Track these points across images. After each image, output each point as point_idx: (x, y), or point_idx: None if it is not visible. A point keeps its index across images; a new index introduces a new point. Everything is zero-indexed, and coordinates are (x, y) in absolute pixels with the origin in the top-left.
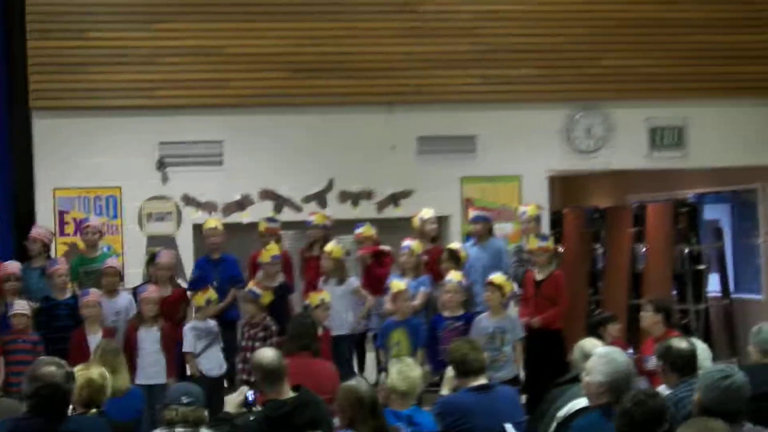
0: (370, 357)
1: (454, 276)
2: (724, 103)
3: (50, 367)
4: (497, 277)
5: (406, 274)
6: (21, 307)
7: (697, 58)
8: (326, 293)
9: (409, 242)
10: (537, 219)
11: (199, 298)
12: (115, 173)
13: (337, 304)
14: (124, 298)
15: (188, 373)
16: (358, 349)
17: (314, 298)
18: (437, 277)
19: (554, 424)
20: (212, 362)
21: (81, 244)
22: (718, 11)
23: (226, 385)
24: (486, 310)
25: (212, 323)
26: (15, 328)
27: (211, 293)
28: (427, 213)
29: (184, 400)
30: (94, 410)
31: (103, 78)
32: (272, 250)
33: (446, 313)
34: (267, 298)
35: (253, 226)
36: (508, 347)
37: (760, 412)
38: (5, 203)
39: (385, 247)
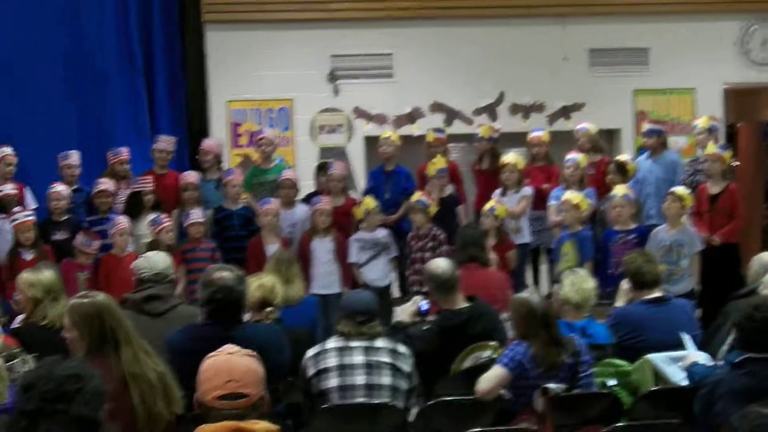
0: (544, 269)
1: (618, 190)
2: None
3: (222, 272)
4: (680, 188)
5: (571, 187)
6: (197, 215)
7: None
8: (499, 204)
9: (574, 155)
10: (710, 131)
11: (358, 211)
12: (288, 85)
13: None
14: (300, 210)
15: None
16: (533, 262)
17: (497, 208)
18: (604, 190)
19: (730, 338)
20: (377, 273)
21: (254, 156)
22: None
23: (399, 294)
24: (659, 224)
25: (381, 234)
26: (192, 236)
27: (369, 203)
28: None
29: (359, 319)
30: (269, 309)
31: None
32: (438, 163)
33: (617, 227)
34: (433, 208)
35: (423, 138)
36: (685, 261)
37: None
38: (180, 116)
39: (545, 186)
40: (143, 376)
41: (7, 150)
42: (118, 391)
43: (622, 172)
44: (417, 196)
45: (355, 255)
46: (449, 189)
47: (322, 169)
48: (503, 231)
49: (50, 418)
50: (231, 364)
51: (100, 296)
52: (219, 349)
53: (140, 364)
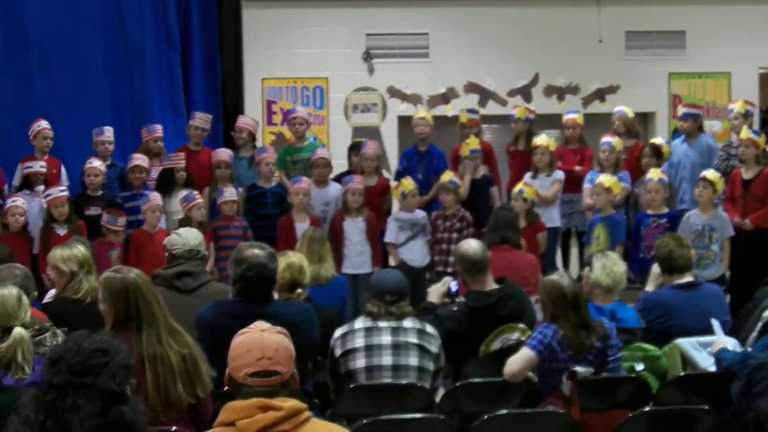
0: (574, 252)
1: (654, 174)
2: None
3: (253, 249)
4: (711, 173)
5: (606, 170)
6: (230, 194)
7: None
8: (528, 187)
9: (609, 138)
10: (746, 116)
11: (396, 193)
12: (322, 64)
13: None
14: (334, 189)
15: (391, 263)
16: (562, 244)
17: (526, 190)
18: (637, 174)
19: (760, 324)
20: (414, 253)
21: (288, 134)
22: None
23: (428, 276)
24: (692, 209)
25: (419, 215)
26: (225, 214)
27: (406, 185)
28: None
29: (388, 298)
30: (299, 290)
31: None
32: (471, 144)
33: (650, 211)
34: (462, 190)
35: (457, 119)
36: (716, 245)
37: None
38: (215, 94)
39: (578, 168)
40: (162, 358)
41: (44, 123)
42: (136, 369)
43: (658, 155)
44: (448, 176)
45: (393, 235)
46: (483, 170)
47: (354, 148)
48: (533, 213)
49: (77, 391)
50: (263, 341)
51: (133, 273)
52: (250, 326)
53: (162, 345)
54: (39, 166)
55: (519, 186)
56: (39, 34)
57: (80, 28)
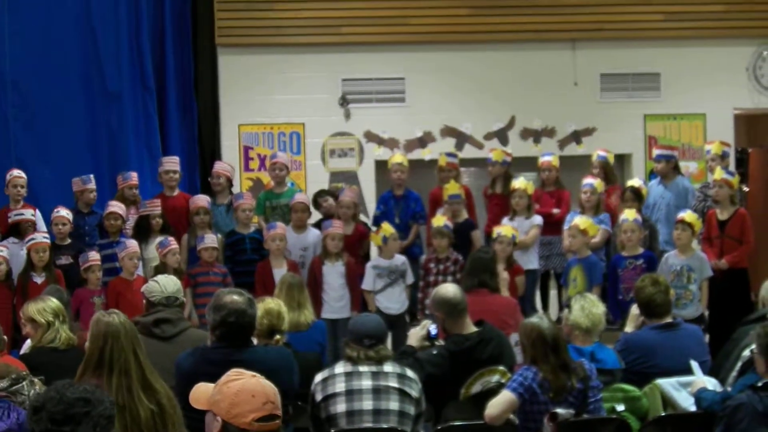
0: (553, 294)
1: (628, 214)
2: None
3: (232, 296)
4: (689, 215)
5: (587, 212)
6: (211, 240)
7: None
8: (509, 228)
9: (591, 180)
10: (723, 157)
11: (376, 239)
12: (299, 109)
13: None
14: (312, 234)
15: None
16: (541, 286)
17: (506, 231)
18: (613, 218)
19: (739, 364)
20: (392, 301)
21: (266, 179)
22: None
23: (408, 320)
24: (669, 249)
25: (399, 261)
26: (205, 260)
27: (386, 229)
28: (594, 155)
29: (367, 342)
30: (278, 336)
31: (288, 15)
32: (451, 188)
33: (625, 253)
34: None
35: (434, 163)
36: (695, 286)
37: None
38: (191, 140)
39: (555, 210)
40: (130, 410)
41: (15, 172)
42: None
43: (639, 198)
44: (441, 220)
45: (371, 282)
46: (464, 214)
47: (320, 196)
48: (512, 257)
49: None
50: (264, 386)
51: (119, 320)
52: (234, 373)
53: (132, 397)
54: (30, 214)
55: (510, 231)
56: (16, 77)
57: (57, 72)
